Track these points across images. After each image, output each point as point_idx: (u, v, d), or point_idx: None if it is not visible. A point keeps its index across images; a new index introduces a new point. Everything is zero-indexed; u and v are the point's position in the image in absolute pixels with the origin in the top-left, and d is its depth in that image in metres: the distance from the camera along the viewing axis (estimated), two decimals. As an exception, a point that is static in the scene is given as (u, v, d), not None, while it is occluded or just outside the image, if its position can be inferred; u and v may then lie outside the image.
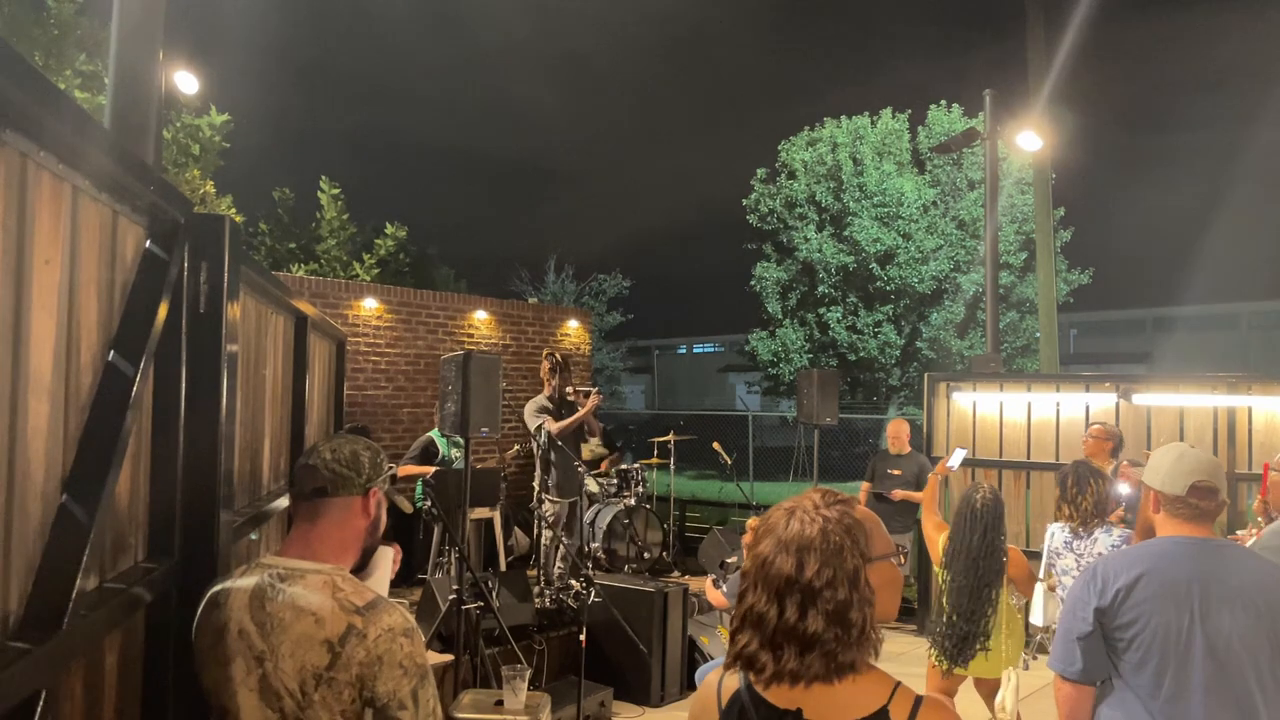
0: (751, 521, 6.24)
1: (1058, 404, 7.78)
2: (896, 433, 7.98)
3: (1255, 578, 2.46)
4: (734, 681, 1.58)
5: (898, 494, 7.61)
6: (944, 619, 4.56)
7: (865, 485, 8.05)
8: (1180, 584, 2.46)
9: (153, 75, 4.03)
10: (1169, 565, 2.51)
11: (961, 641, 4.47)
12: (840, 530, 1.51)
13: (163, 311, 2.02)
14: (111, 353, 1.87)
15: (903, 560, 1.70)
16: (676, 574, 8.66)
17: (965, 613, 4.48)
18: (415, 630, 1.84)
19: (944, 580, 4.66)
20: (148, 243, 2.05)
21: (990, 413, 8.11)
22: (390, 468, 2.07)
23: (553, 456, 7.31)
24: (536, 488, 7.49)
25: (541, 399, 7.48)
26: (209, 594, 1.95)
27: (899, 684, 1.52)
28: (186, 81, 8.94)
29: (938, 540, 4.81)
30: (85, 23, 9.45)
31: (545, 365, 7.61)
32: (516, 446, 9.71)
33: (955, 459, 5.59)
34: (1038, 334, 16.12)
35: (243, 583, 1.89)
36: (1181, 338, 34.98)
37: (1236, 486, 6.89)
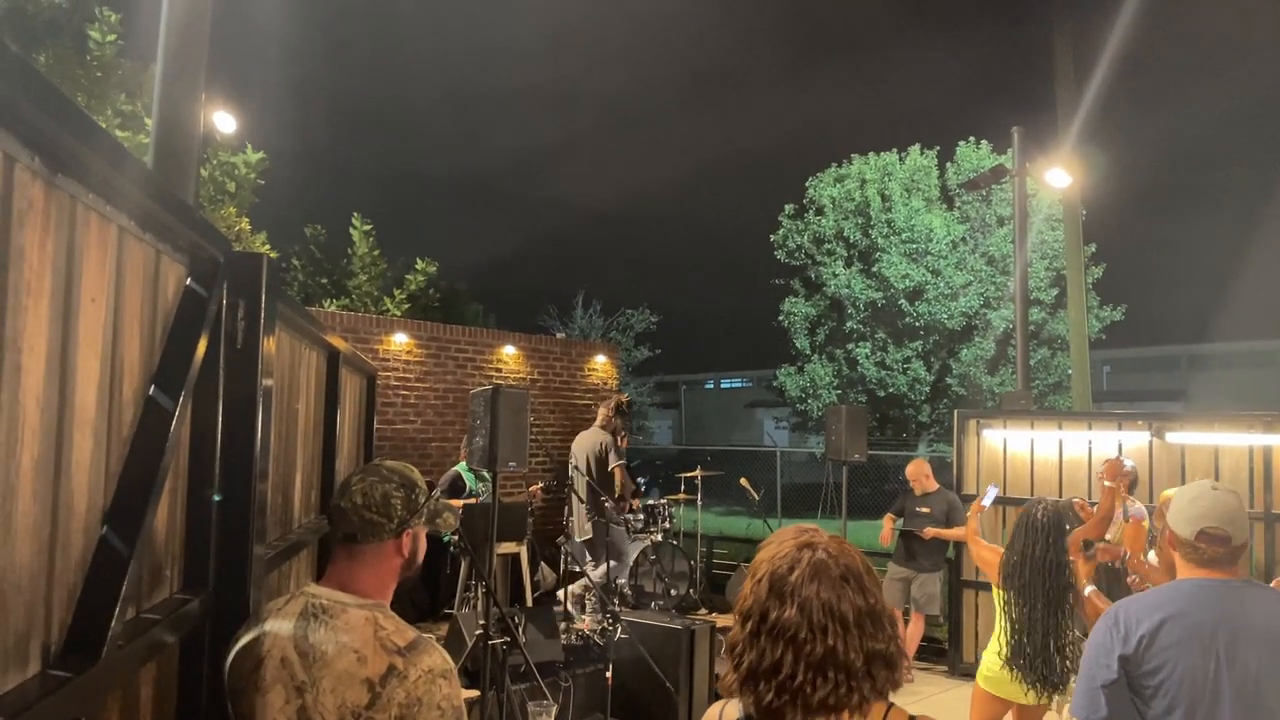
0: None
1: (1090, 442, 7.69)
2: (915, 475, 7.87)
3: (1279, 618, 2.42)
4: (734, 711, 1.58)
5: (929, 531, 7.53)
6: (1015, 641, 4.45)
7: (889, 516, 7.96)
8: (1204, 627, 2.42)
9: (194, 117, 4.13)
10: (1192, 608, 2.47)
11: (1047, 664, 4.37)
12: (862, 555, 1.58)
13: (202, 347, 2.07)
14: (152, 387, 1.91)
15: None
16: (703, 611, 8.60)
17: (1046, 630, 4.37)
18: (453, 672, 1.85)
19: (1004, 600, 4.57)
20: (188, 280, 2.11)
21: (1021, 450, 8.03)
22: (430, 499, 2.04)
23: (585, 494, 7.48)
24: (577, 521, 7.65)
25: (601, 430, 7.91)
26: (251, 620, 1.97)
27: (891, 705, 1.54)
28: (224, 121, 9.13)
29: (995, 561, 4.70)
30: (126, 64, 9.69)
31: (624, 406, 8.13)
32: (539, 484, 9.74)
33: (989, 497, 5.56)
34: (1069, 371, 15.97)
35: (287, 610, 1.90)
36: (1217, 375, 34.46)
37: (1274, 527, 6.77)
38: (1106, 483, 5.24)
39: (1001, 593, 4.63)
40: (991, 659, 4.63)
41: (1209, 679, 2.37)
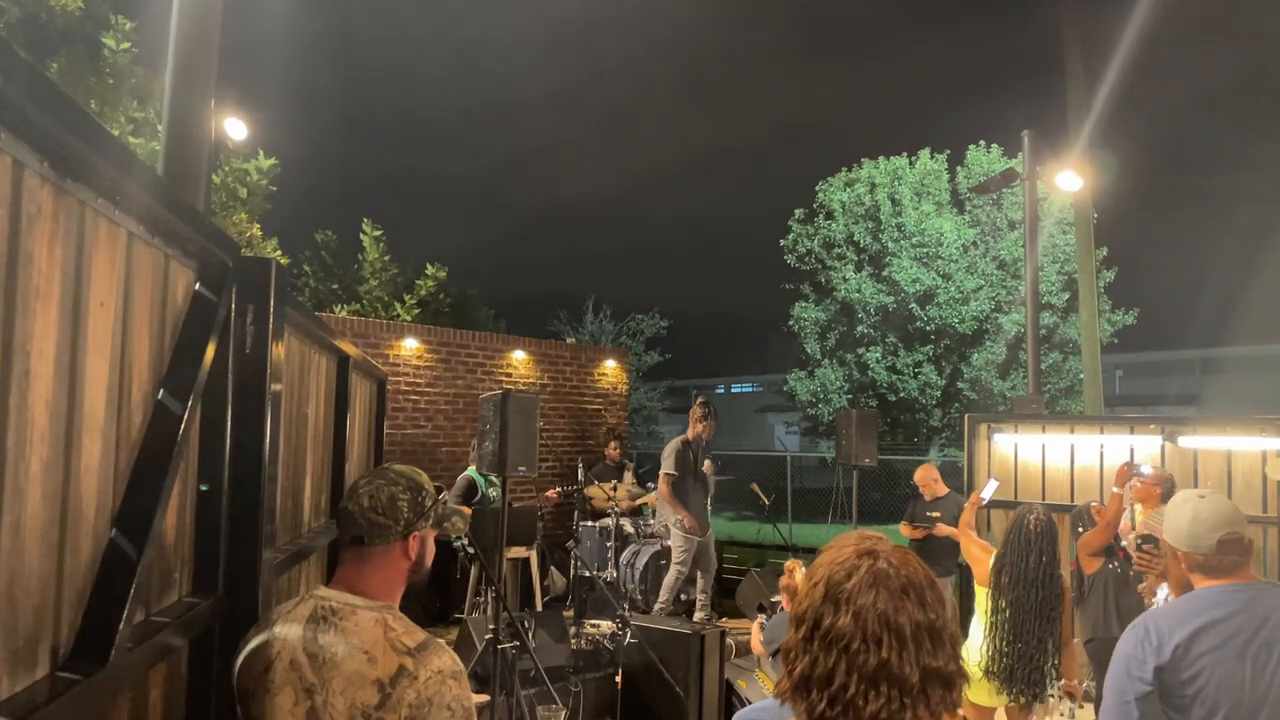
0: (790, 563, 6.18)
1: (1101, 446, 7.66)
2: (924, 480, 7.84)
3: None
4: None
5: (941, 529, 7.49)
6: (1001, 647, 4.45)
7: (904, 524, 7.91)
8: (1236, 631, 2.41)
9: (205, 123, 4.15)
10: (1224, 614, 2.45)
11: (1034, 672, 4.37)
12: (926, 566, 1.51)
13: (210, 352, 2.08)
14: (161, 392, 1.92)
15: None
16: (714, 615, 8.58)
17: (1034, 640, 4.38)
18: (463, 673, 1.86)
19: (990, 606, 4.57)
20: (197, 285, 2.12)
21: (1033, 455, 8.01)
22: (438, 502, 2.05)
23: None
24: (668, 525, 8.13)
25: (681, 440, 8.22)
26: (260, 622, 1.98)
27: None
28: (236, 128, 9.17)
29: (985, 559, 4.73)
30: (139, 71, 9.75)
31: (696, 411, 8.38)
32: (558, 488, 9.74)
33: (988, 490, 5.58)
34: (1081, 375, 15.90)
35: (296, 613, 1.90)
36: (1231, 379, 34.26)
37: (1288, 531, 6.72)
38: (1114, 489, 5.22)
39: (987, 594, 4.63)
40: (969, 665, 4.65)
41: (1246, 684, 2.36)
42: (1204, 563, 2.55)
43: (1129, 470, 5.33)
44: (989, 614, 4.57)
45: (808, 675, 1.44)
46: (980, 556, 4.82)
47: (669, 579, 8.02)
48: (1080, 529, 5.61)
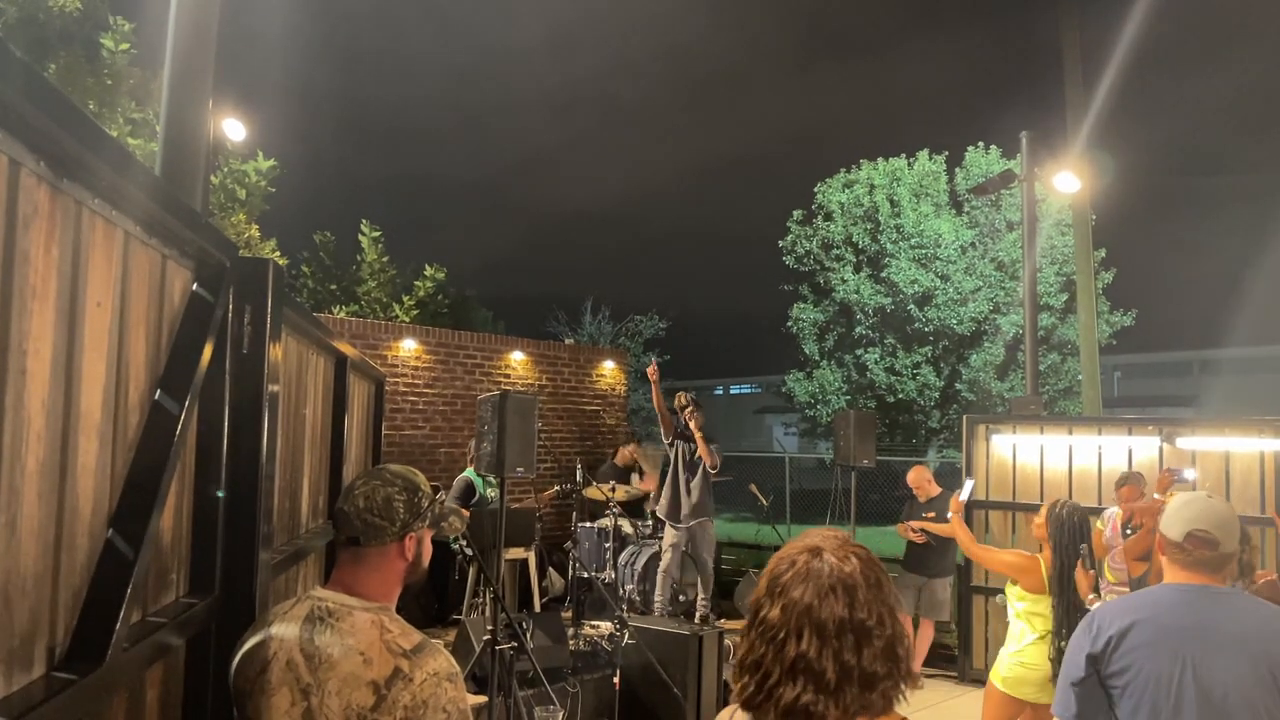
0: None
1: (1099, 447, 7.66)
2: (917, 481, 7.85)
3: (1255, 625, 2.43)
4: (744, 715, 1.53)
5: (935, 527, 7.48)
6: (1062, 646, 4.42)
7: (901, 525, 7.91)
8: (1173, 632, 2.46)
9: (202, 124, 4.15)
10: (1163, 613, 2.51)
11: None
12: (874, 567, 1.51)
13: (208, 352, 2.08)
14: (158, 392, 1.92)
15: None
16: (712, 617, 8.58)
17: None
18: (458, 675, 1.86)
19: (1053, 610, 4.53)
20: (194, 285, 2.12)
21: (1030, 455, 8.00)
22: (434, 503, 2.04)
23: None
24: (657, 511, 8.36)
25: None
26: (257, 623, 1.97)
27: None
28: (234, 129, 9.17)
29: (1034, 568, 4.64)
30: (137, 72, 9.75)
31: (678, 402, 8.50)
32: (556, 487, 9.73)
33: (965, 491, 5.59)
34: (1080, 376, 15.90)
35: (293, 614, 1.90)
36: (1229, 380, 34.23)
37: (1286, 532, 6.72)
38: (1156, 495, 5.22)
39: (1046, 600, 4.57)
40: (1013, 660, 4.64)
41: (1174, 683, 2.40)
42: (1169, 548, 2.62)
43: (1170, 476, 5.33)
44: (1049, 618, 4.51)
45: (744, 660, 1.51)
46: (1027, 565, 4.69)
47: (659, 567, 8.12)
48: (1128, 531, 5.62)
